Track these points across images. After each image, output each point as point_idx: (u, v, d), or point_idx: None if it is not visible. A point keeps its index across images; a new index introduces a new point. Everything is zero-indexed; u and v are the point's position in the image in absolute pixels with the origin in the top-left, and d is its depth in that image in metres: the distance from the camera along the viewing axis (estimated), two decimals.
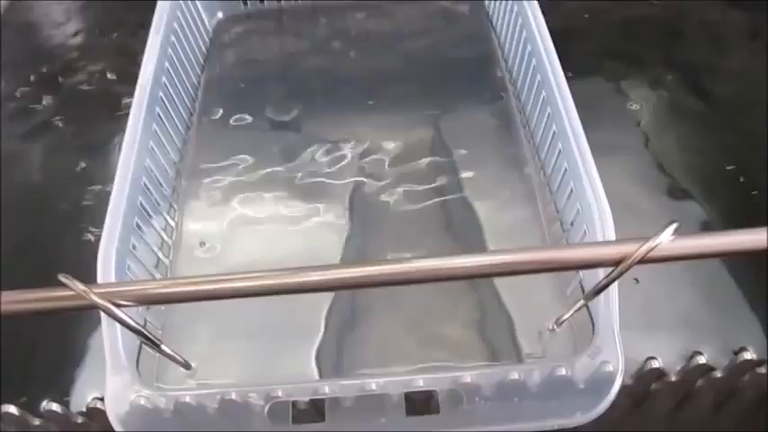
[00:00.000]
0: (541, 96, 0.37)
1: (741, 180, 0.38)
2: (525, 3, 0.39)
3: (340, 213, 0.38)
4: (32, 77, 0.49)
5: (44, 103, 0.47)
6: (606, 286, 0.23)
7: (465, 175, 0.39)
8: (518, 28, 0.41)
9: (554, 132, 0.35)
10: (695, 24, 0.48)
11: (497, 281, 0.35)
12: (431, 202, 0.38)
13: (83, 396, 0.32)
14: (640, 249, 0.22)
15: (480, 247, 0.36)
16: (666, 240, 0.23)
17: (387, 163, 0.40)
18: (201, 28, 0.48)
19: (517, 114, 0.42)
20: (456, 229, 0.37)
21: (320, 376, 0.31)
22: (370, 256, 0.36)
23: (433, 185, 0.39)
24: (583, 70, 0.43)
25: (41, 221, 0.40)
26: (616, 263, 0.23)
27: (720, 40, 0.47)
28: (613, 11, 0.49)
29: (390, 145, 0.41)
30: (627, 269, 0.23)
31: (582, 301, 0.31)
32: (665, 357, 0.32)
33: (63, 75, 0.49)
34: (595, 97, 0.43)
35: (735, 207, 0.37)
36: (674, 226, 0.23)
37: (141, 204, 0.34)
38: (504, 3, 0.45)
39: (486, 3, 0.49)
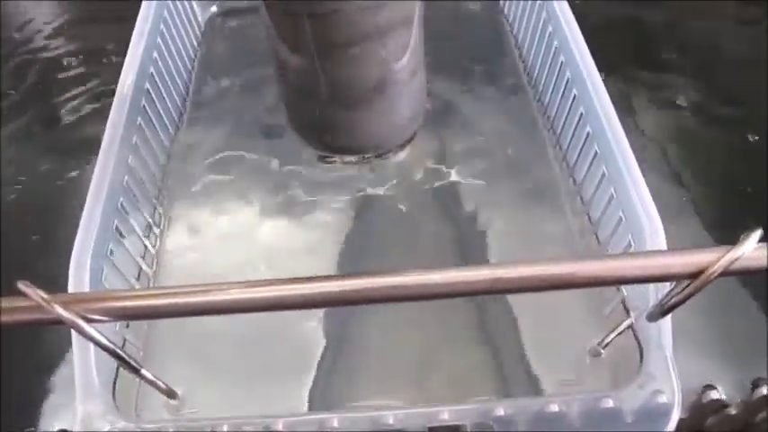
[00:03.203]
0: (572, 95, 0.34)
1: None
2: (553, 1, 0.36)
3: (344, 220, 0.35)
4: None
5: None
6: (681, 303, 0.20)
7: (478, 182, 0.36)
8: (541, 25, 0.38)
9: (588, 134, 0.32)
10: None
11: (515, 298, 0.31)
12: (439, 211, 0.35)
13: (47, 427, 0.29)
14: (723, 259, 0.19)
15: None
16: (751, 249, 0.19)
17: (392, 164, 0.37)
18: (193, 21, 0.45)
19: (539, 117, 0.38)
20: (468, 245, 0.34)
21: (324, 405, 0.28)
22: (378, 265, 0.32)
23: (441, 193, 0.35)
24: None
25: None
26: (693, 275, 0.19)
27: None
28: None
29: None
30: (707, 282, 0.19)
31: (628, 321, 0.28)
32: (724, 386, 0.28)
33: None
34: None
35: None
36: (758, 233, 0.19)
37: (122, 206, 0.30)
38: (524, 1, 0.42)
39: (502, 3, 0.46)
